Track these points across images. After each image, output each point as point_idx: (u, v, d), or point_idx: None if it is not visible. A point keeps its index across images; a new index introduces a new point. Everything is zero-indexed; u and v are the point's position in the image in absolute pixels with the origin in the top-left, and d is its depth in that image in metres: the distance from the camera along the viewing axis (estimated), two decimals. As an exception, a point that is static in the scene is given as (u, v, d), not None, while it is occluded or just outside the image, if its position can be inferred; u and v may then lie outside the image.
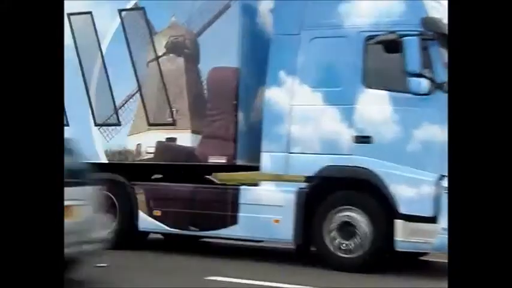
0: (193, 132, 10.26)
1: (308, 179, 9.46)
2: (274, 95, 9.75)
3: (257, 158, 9.87)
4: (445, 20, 8.41)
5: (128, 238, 10.71)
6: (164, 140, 10.48)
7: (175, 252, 10.59)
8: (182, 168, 10.57)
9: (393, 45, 8.93)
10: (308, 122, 9.56)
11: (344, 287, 8.41)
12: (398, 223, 8.79)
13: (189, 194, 10.25)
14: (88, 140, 10.94)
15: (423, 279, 9.06)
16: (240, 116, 10.01)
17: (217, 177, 11.20)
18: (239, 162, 10.04)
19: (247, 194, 9.84)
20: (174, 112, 10.42)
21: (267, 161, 9.75)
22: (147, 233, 10.97)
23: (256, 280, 8.29)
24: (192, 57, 10.39)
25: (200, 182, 10.83)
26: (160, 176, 11.25)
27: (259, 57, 9.99)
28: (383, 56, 9.12)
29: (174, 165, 10.54)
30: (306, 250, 9.77)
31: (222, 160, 10.04)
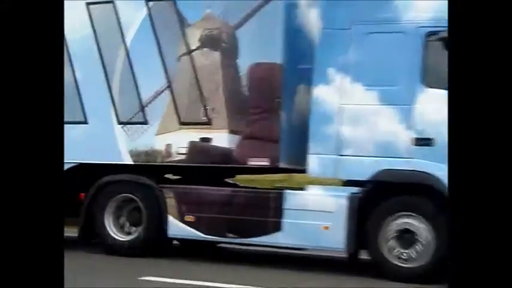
0: (231, 132, 9.56)
1: (361, 183, 8.90)
2: (322, 94, 9.14)
3: (300, 161, 9.27)
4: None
5: (155, 245, 9.99)
6: (198, 140, 9.76)
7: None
8: (218, 170, 9.88)
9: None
10: (360, 123, 8.98)
11: None
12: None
13: (226, 198, 9.56)
14: (110, 139, 10.19)
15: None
16: (283, 115, 9.37)
17: (238, 181, 10.51)
18: (282, 164, 9.40)
19: (292, 198, 9.20)
20: (209, 110, 9.69)
21: (314, 163, 9.13)
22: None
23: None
24: (229, 52, 9.68)
25: (223, 184, 10.18)
26: (178, 177, 10.52)
27: (303, 53, 9.39)
28: (445, 54, 8.57)
29: (209, 168, 9.83)
30: (356, 258, 9.20)
31: (264, 162, 9.37)
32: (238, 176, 10.42)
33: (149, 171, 10.09)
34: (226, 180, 10.23)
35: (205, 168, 9.85)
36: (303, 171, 9.36)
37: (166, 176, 10.41)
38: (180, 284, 8.05)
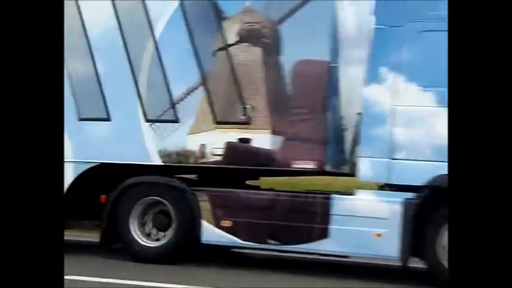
0: (274, 132, 9.00)
1: (415, 188, 8.49)
2: (374, 94, 8.71)
3: (348, 164, 8.82)
4: None
5: (186, 251, 9.39)
6: (236, 140, 9.19)
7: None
8: (261, 172, 9.34)
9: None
10: (416, 125, 8.57)
11: None
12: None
13: (267, 202, 9.02)
14: (136, 137, 9.53)
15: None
16: (331, 116, 8.89)
17: (280, 184, 10.00)
18: (329, 168, 8.92)
19: (340, 203, 8.73)
20: (249, 109, 9.13)
21: (365, 167, 8.69)
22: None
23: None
24: (271, 48, 9.11)
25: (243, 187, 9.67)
26: (195, 176, 9.92)
27: (353, 51, 8.94)
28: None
29: (248, 170, 9.27)
30: (406, 266, 8.78)
31: (310, 165, 8.86)
32: (281, 179, 9.91)
33: (180, 173, 9.48)
34: (266, 182, 9.68)
35: (243, 170, 9.30)
36: (351, 175, 8.92)
37: (188, 176, 9.83)
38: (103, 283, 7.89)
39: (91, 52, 9.72)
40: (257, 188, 9.84)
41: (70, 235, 10.26)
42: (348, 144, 8.83)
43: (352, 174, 8.91)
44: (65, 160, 9.58)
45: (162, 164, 9.42)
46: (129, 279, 8.06)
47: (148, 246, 9.45)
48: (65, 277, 7.56)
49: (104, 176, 9.68)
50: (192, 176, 9.62)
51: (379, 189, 8.78)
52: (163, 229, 9.50)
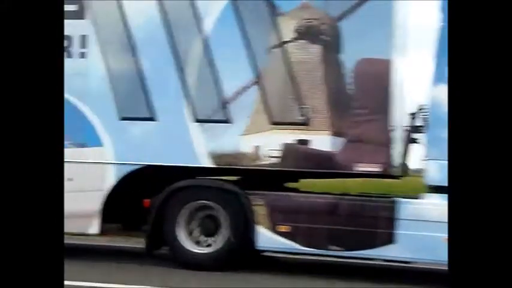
0: (334, 134, 8.65)
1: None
2: (441, 94, 8.41)
3: (415, 166, 8.53)
4: None
5: (239, 257, 8.97)
6: (293, 142, 8.80)
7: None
8: (320, 175, 8.97)
9: None
10: (487, 126, 8.32)
11: None
12: None
13: (329, 206, 8.66)
14: (183, 138, 9.08)
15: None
16: (395, 116, 8.58)
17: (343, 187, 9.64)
18: (394, 171, 8.60)
19: (407, 207, 8.43)
20: (307, 109, 8.77)
21: (433, 169, 8.40)
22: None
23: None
24: (331, 46, 8.74)
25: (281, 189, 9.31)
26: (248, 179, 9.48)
27: (417, 49, 8.67)
28: None
29: (307, 173, 8.90)
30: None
31: (375, 168, 8.53)
32: (345, 181, 9.56)
33: (232, 176, 9.06)
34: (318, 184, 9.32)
35: (301, 173, 8.93)
36: (417, 178, 8.63)
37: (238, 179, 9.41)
38: None
39: (133, 48, 9.25)
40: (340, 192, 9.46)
41: (112, 241, 9.80)
42: (413, 146, 8.52)
43: (418, 176, 8.61)
44: (106, 162, 9.21)
45: (213, 166, 8.99)
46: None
47: (197, 253, 9.00)
48: (109, 285, 7.29)
49: (147, 179, 9.21)
50: (245, 179, 9.19)
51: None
52: (210, 234, 9.07)
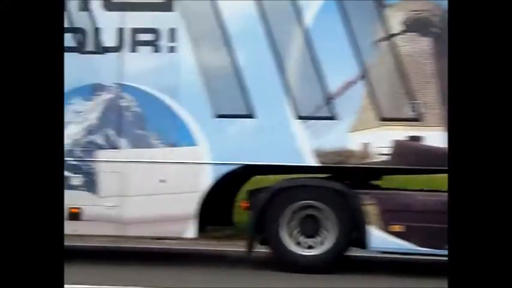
0: (449, 129, 8.38)
1: None
2: None
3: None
4: None
5: (346, 259, 8.66)
6: (405, 138, 8.50)
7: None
8: (433, 172, 8.68)
9: None
10: None
11: None
12: None
13: (446, 205, 8.34)
14: (285, 136, 8.69)
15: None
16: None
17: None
18: None
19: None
20: (420, 105, 8.45)
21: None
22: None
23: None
24: (443, 38, 8.44)
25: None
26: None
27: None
28: None
29: (420, 170, 8.60)
30: None
31: (493, 165, 8.27)
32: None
33: (340, 175, 8.73)
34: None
35: (414, 171, 8.63)
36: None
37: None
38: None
39: (228, 42, 8.81)
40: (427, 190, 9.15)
41: (209, 244, 9.39)
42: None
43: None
44: (203, 162, 8.78)
45: (318, 165, 8.64)
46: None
47: (303, 256, 8.64)
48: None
49: (246, 179, 8.82)
50: (353, 178, 8.86)
51: None
52: (311, 236, 8.74)
